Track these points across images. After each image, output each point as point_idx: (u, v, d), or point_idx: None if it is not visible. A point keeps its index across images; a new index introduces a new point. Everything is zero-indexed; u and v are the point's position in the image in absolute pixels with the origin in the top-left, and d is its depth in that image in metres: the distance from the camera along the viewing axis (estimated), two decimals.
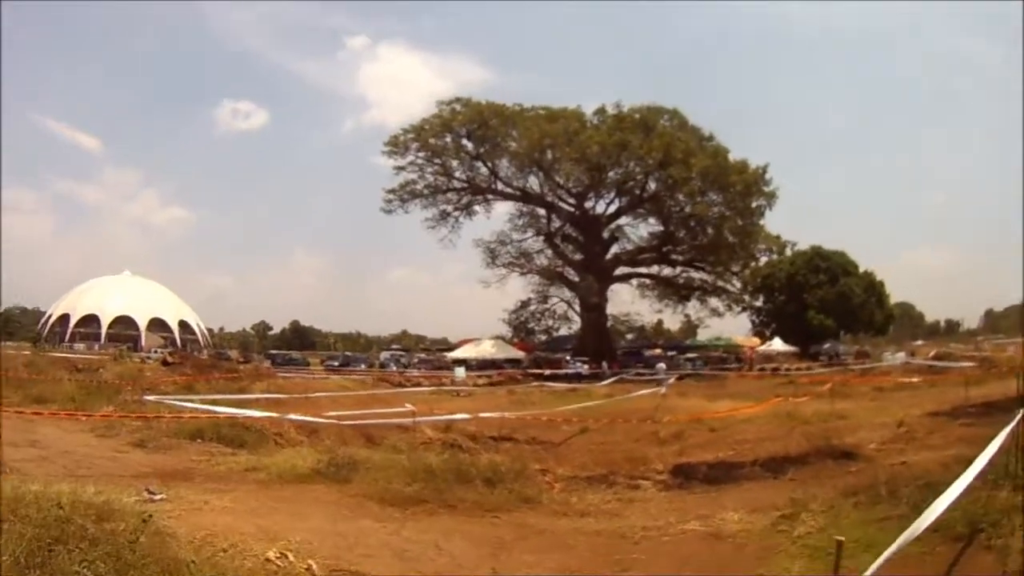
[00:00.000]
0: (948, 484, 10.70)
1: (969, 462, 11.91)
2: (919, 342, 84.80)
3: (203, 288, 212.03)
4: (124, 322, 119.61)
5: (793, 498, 11.68)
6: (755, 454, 17.43)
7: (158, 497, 11.64)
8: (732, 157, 73.13)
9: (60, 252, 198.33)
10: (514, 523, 11.75)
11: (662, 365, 60.04)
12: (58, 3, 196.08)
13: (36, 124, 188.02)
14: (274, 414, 22.18)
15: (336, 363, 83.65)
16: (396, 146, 79.22)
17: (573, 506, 13.04)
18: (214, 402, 25.07)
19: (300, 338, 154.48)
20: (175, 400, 24.82)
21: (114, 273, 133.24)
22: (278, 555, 8.87)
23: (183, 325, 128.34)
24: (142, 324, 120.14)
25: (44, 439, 18.61)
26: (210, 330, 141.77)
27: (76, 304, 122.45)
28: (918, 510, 10.04)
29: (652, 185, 76.70)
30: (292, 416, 22.02)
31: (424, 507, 12.43)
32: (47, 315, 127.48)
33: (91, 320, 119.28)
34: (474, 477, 13.81)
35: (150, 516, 8.69)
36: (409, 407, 19.88)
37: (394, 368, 75.52)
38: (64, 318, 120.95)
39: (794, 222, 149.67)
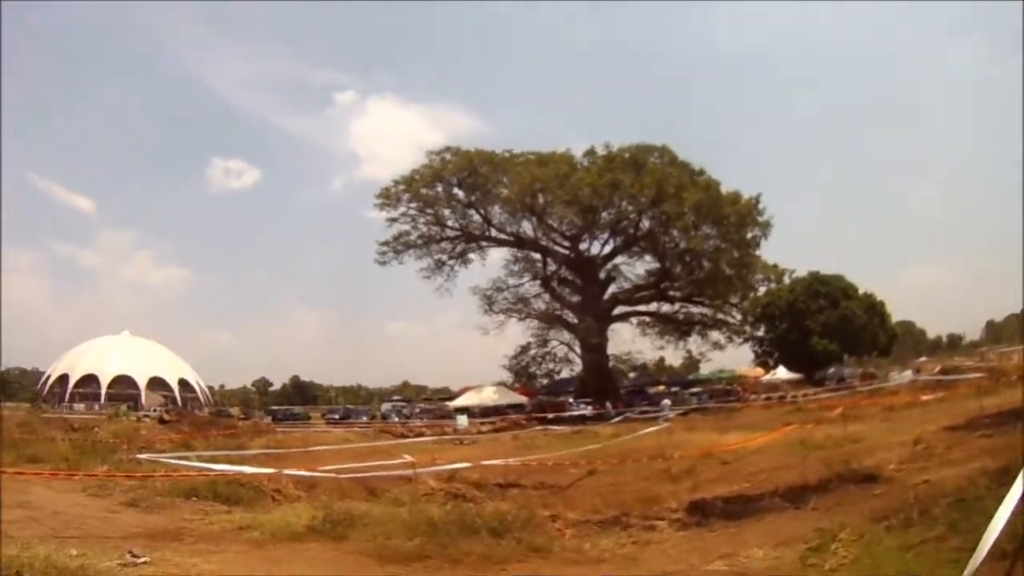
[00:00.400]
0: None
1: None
2: (923, 359, 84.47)
3: (202, 346, 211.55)
4: (124, 382, 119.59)
5: (819, 528, 10.92)
6: (772, 484, 16.67)
7: (140, 560, 11.09)
8: (724, 189, 73.07)
9: (59, 313, 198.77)
10: (525, 573, 10.97)
11: (667, 402, 59.16)
12: (47, 62, 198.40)
13: (33, 185, 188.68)
14: (270, 469, 21.70)
15: (337, 416, 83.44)
16: (388, 198, 78.99)
17: (586, 553, 12.18)
18: (211, 459, 24.64)
19: (301, 393, 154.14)
20: (169, 458, 24.24)
21: (113, 333, 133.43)
22: None
23: (183, 383, 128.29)
24: (142, 383, 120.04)
25: (34, 500, 18.03)
26: (211, 388, 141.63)
27: (75, 364, 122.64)
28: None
29: (646, 223, 76.20)
30: (288, 471, 21.37)
31: (426, 563, 11.62)
32: (46, 376, 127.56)
33: (90, 380, 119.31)
34: (479, 528, 12.96)
35: None
36: (408, 458, 19.14)
37: (396, 419, 75.08)
38: (63, 378, 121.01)
39: (788, 248, 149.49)
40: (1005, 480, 10.59)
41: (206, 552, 12.50)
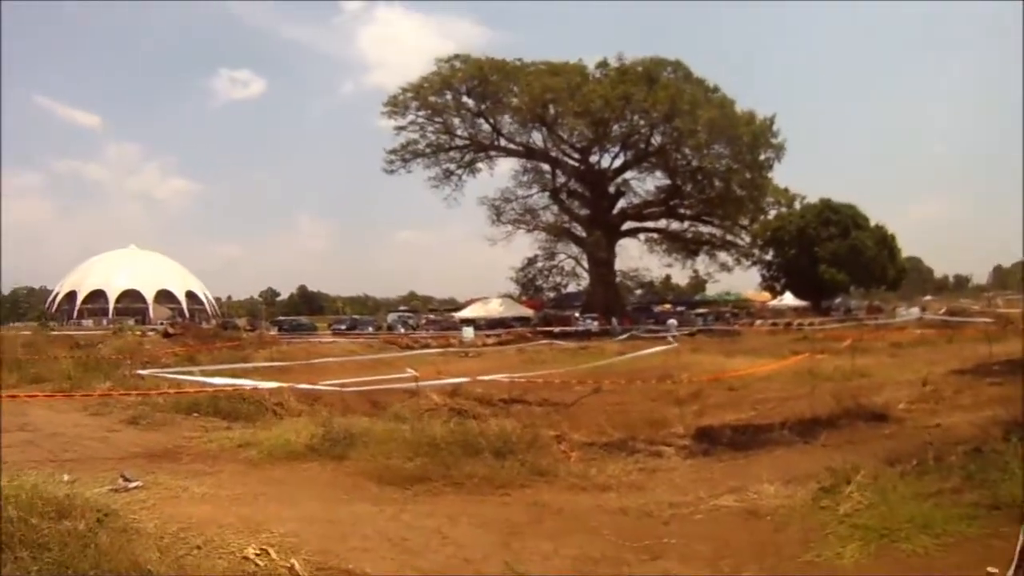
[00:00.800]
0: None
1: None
2: (928, 297, 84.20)
3: (209, 258, 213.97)
4: (131, 296, 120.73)
5: (831, 468, 10.49)
6: (781, 415, 16.19)
7: (133, 485, 10.72)
8: (738, 109, 72.12)
9: (65, 231, 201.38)
10: (528, 501, 10.49)
11: (673, 321, 59.28)
12: None
13: (34, 104, 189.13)
14: (272, 383, 21.34)
15: (343, 327, 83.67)
16: (396, 106, 78.34)
17: (592, 479, 11.74)
18: (215, 373, 24.32)
19: (308, 303, 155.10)
20: (170, 373, 24.12)
21: (119, 248, 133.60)
22: (257, 552, 7.79)
23: (190, 296, 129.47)
24: (149, 297, 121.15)
25: (34, 421, 17.94)
26: (218, 299, 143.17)
27: (83, 281, 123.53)
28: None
29: (658, 138, 75.51)
30: (287, 385, 21.23)
31: (428, 486, 11.27)
32: (54, 293, 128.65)
33: (98, 296, 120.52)
34: (483, 448, 12.56)
35: (104, 516, 7.77)
36: (411, 372, 18.83)
37: (402, 330, 75.15)
38: (71, 295, 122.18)
39: (798, 174, 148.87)
40: (1019, 432, 10.34)
41: (201, 473, 12.30)
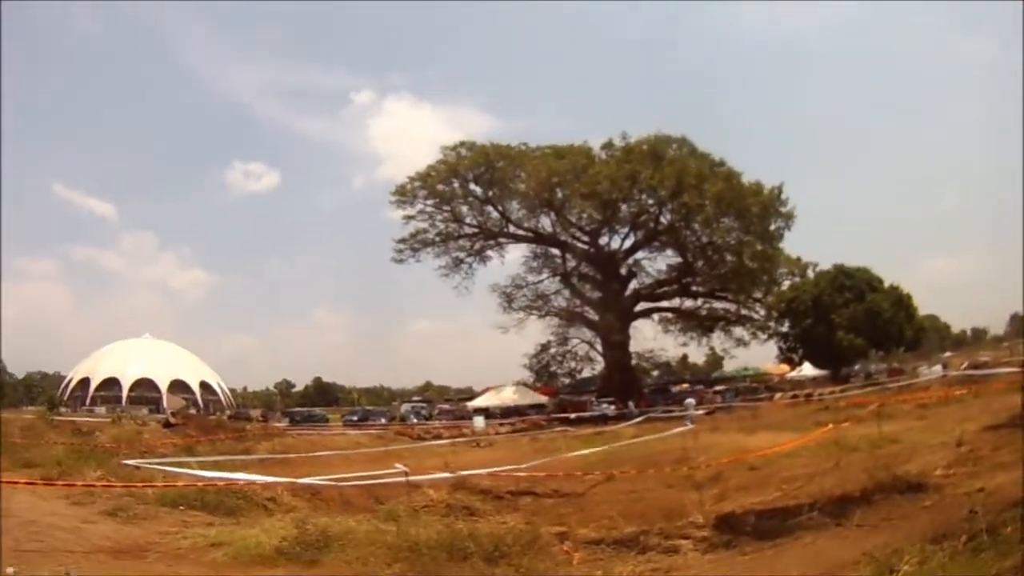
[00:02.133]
0: None
1: None
2: (948, 354, 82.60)
3: (225, 349, 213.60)
4: (145, 384, 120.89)
5: (870, 554, 9.16)
6: (808, 494, 14.88)
7: None
8: (745, 180, 71.42)
9: (80, 318, 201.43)
10: None
11: (691, 400, 57.67)
12: (63, 70, 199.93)
13: (52, 192, 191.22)
14: (265, 477, 20.42)
15: (355, 418, 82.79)
16: (404, 195, 78.78)
17: None
18: (213, 464, 23.67)
19: (323, 394, 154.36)
20: (156, 464, 22.96)
21: (134, 337, 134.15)
22: None
23: (204, 386, 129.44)
24: (163, 386, 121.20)
25: (13, 508, 16.76)
26: (233, 390, 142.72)
27: (96, 368, 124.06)
28: None
29: (667, 216, 75.06)
30: (281, 479, 20.24)
31: None
32: (67, 379, 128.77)
33: (112, 383, 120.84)
34: (472, 553, 11.23)
35: None
36: (400, 467, 17.69)
37: (414, 420, 74.12)
38: (84, 382, 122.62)
39: (809, 241, 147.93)
40: None
41: None
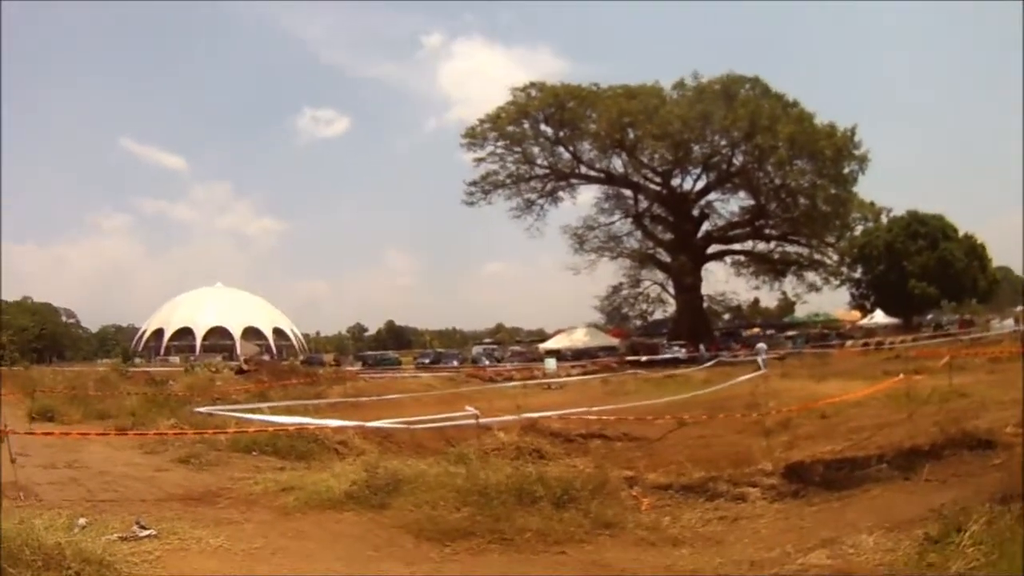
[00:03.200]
0: None
1: None
2: (1020, 308, 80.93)
3: (297, 295, 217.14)
4: (219, 332, 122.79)
5: (937, 511, 8.95)
6: (877, 446, 14.55)
7: (144, 533, 10.06)
8: (818, 121, 69.92)
9: (154, 270, 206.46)
10: (586, 561, 9.03)
11: (762, 345, 57.18)
12: (133, 27, 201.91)
13: (120, 148, 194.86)
14: (337, 421, 20.49)
15: (427, 360, 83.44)
16: (474, 137, 78.07)
17: (664, 530, 10.25)
18: (286, 409, 23.96)
19: (396, 338, 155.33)
20: (226, 410, 23.33)
21: (207, 286, 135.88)
22: None
23: (278, 332, 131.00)
24: (236, 333, 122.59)
25: (85, 459, 17.72)
26: (306, 335, 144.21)
27: (169, 318, 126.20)
28: None
29: (739, 157, 73.69)
30: (352, 423, 20.25)
31: (471, 542, 9.89)
32: (141, 331, 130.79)
33: (186, 333, 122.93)
34: (540, 497, 11.11)
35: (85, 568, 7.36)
36: (471, 410, 17.63)
37: (486, 363, 74.51)
38: (158, 332, 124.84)
39: (883, 185, 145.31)
40: None
41: (226, 522, 11.45)
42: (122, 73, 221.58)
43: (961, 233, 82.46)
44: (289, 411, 23.35)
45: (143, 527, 10.26)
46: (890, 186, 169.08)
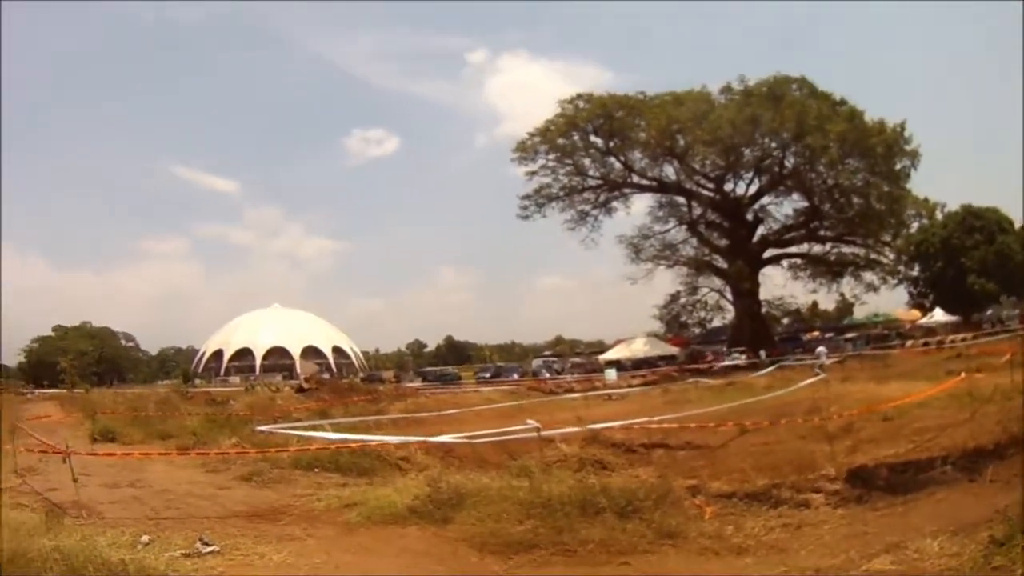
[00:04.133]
0: None
1: None
2: None
3: (355, 313, 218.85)
4: (278, 352, 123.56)
5: (1002, 512, 8.79)
6: (941, 448, 14.38)
7: (207, 550, 10.24)
8: (867, 118, 69.06)
9: (210, 293, 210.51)
10: (649, 572, 8.91)
11: (822, 348, 56.66)
12: (178, 56, 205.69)
13: (173, 174, 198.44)
14: (399, 437, 20.79)
15: (487, 375, 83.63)
16: (525, 151, 78.21)
17: (728, 539, 10.17)
18: (347, 427, 24.22)
19: (455, 353, 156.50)
20: (286, 429, 23.51)
21: (263, 307, 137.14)
22: None
23: (337, 350, 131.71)
24: (296, 353, 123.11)
25: (147, 478, 18.09)
26: (365, 353, 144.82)
27: (229, 339, 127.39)
28: None
29: (790, 159, 73.23)
30: (414, 438, 20.49)
31: (534, 554, 9.92)
32: (201, 352, 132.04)
33: (245, 353, 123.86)
34: (604, 508, 11.06)
35: None
36: (532, 423, 17.61)
37: (546, 375, 74.50)
38: (218, 354, 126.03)
39: (934, 181, 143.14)
40: None
41: (289, 538, 11.61)
42: (171, 101, 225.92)
43: (1017, 225, 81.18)
44: (351, 428, 23.63)
45: (206, 543, 10.42)
46: (941, 181, 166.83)
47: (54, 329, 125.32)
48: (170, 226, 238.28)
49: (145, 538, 10.74)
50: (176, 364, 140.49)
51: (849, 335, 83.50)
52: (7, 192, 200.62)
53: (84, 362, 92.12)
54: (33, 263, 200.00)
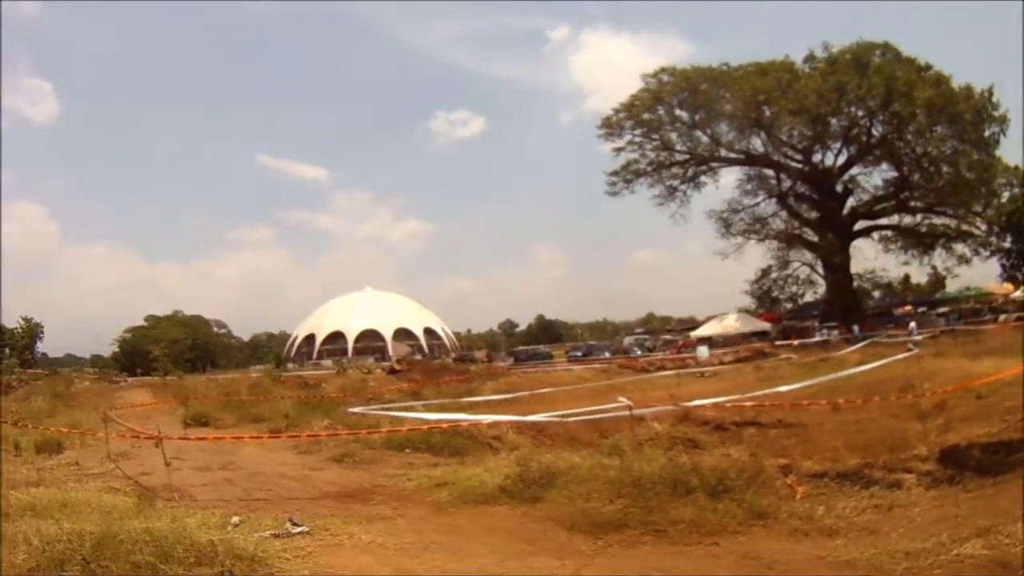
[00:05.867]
0: None
1: None
2: None
3: (446, 294, 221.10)
4: (370, 335, 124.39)
5: None
6: None
7: (297, 530, 10.30)
8: (954, 84, 67.07)
9: (301, 278, 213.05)
10: (739, 553, 8.93)
11: (914, 324, 55.73)
12: (267, 44, 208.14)
13: (259, 164, 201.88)
14: (491, 416, 20.44)
15: (579, 353, 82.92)
16: (611, 127, 77.68)
17: (819, 520, 10.03)
18: (438, 407, 24.19)
19: (546, 332, 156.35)
20: (378, 410, 23.89)
21: (355, 290, 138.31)
22: None
23: (428, 332, 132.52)
24: (387, 335, 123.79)
25: (240, 460, 18.43)
26: (457, 333, 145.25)
27: (320, 323, 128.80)
28: None
29: (878, 128, 71.19)
30: (506, 417, 20.43)
31: (624, 534, 9.90)
32: (293, 337, 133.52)
33: (337, 337, 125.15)
34: (695, 487, 11.04)
35: (227, 573, 7.40)
36: (624, 401, 17.53)
37: (638, 353, 74.18)
38: (310, 338, 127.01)
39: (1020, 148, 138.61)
40: None
41: (379, 518, 11.73)
42: (257, 92, 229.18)
43: None
44: (442, 408, 23.56)
45: (296, 524, 10.50)
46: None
47: (146, 319, 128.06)
48: (258, 215, 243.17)
49: (235, 519, 10.90)
50: (268, 349, 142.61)
51: (941, 310, 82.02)
52: (99, 192, 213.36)
53: (176, 350, 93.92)
54: (126, 258, 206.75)
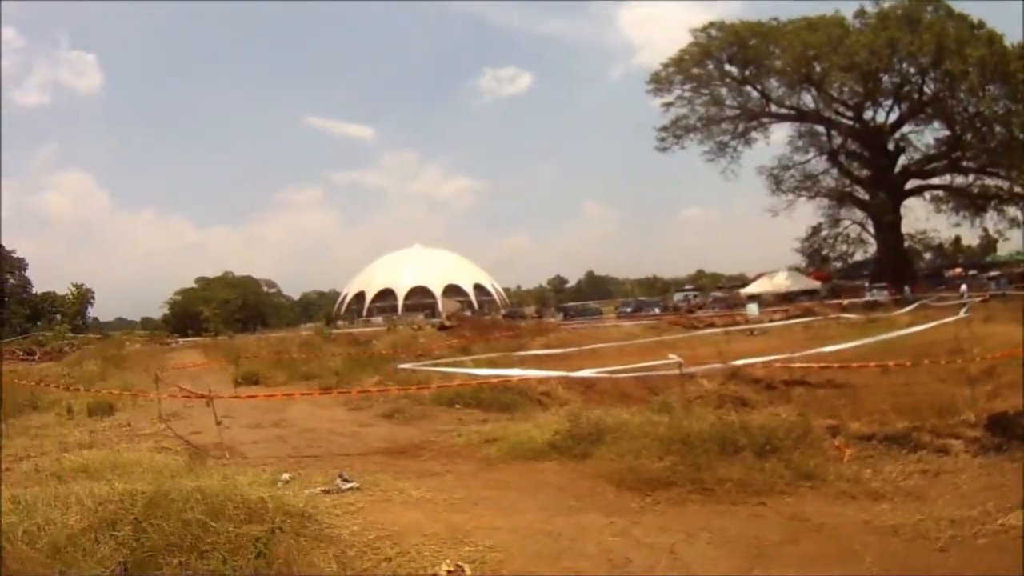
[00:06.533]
0: None
1: None
2: None
3: (496, 250, 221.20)
4: (420, 292, 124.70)
5: None
6: None
7: (347, 486, 10.54)
8: (1007, 43, 66.15)
9: (351, 237, 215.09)
10: (785, 514, 8.98)
11: (965, 287, 55.19)
12: (312, 5, 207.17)
13: (307, 125, 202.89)
14: (541, 372, 20.56)
15: (629, 309, 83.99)
16: (660, 82, 78.27)
17: (865, 484, 10.01)
18: (488, 362, 24.20)
19: (596, 288, 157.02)
20: (428, 366, 23.87)
21: (405, 248, 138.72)
22: (451, 569, 7.15)
23: (478, 288, 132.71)
24: (437, 292, 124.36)
25: (291, 417, 18.85)
26: (506, 289, 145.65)
27: (370, 281, 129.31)
28: None
29: (930, 85, 70.76)
30: (555, 373, 20.37)
31: (672, 492, 9.97)
32: (343, 295, 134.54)
33: (387, 294, 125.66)
34: (743, 446, 11.07)
35: (276, 529, 7.29)
36: (674, 358, 17.54)
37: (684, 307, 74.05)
38: (360, 296, 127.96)
39: None
40: None
41: (428, 474, 11.94)
42: (303, 54, 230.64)
43: None
44: (492, 363, 23.67)
45: (346, 480, 10.70)
46: None
47: (196, 280, 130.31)
48: (306, 176, 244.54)
49: (286, 476, 11.12)
50: (319, 307, 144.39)
51: (992, 273, 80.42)
52: (147, 159, 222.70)
53: (227, 310, 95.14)
54: (175, 223, 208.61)
